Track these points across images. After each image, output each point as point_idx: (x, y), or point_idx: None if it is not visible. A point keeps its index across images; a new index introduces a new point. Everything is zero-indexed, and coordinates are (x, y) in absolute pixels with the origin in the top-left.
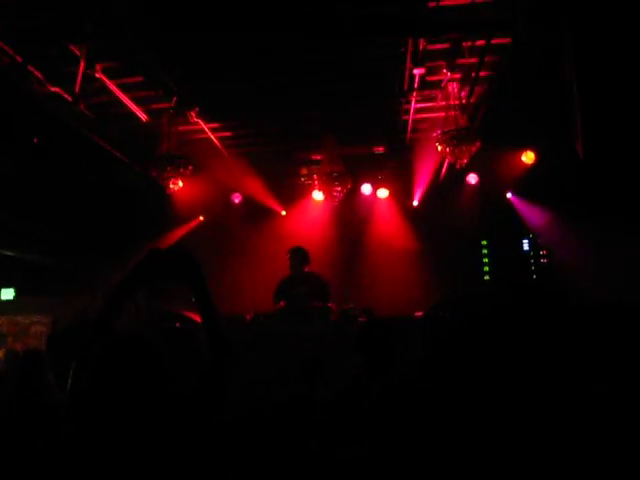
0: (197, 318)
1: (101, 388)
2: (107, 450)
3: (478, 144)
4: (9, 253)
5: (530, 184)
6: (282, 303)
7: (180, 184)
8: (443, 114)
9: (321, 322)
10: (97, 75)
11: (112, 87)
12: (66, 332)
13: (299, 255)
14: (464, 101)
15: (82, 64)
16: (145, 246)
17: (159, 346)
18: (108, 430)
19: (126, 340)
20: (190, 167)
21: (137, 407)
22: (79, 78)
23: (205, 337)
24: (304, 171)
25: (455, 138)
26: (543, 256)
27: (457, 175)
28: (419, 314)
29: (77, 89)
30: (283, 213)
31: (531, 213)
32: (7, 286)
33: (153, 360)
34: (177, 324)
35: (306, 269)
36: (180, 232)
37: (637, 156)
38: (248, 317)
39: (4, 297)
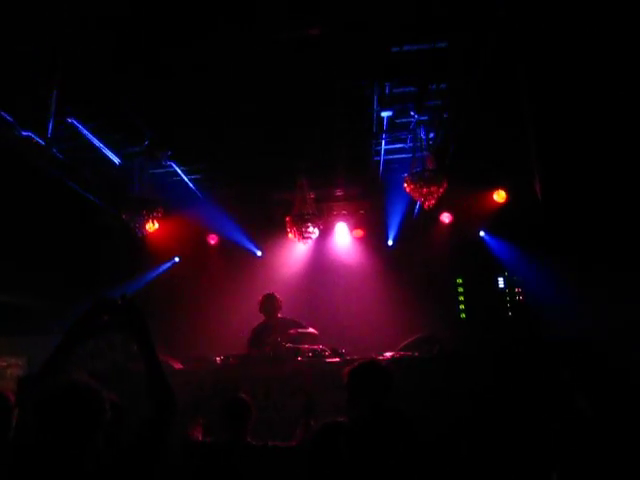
0: (174, 363)
1: (37, 432)
2: None
3: (445, 185)
4: None
5: (502, 222)
6: (255, 351)
7: (155, 226)
8: (412, 155)
9: (290, 364)
10: (68, 119)
11: (84, 131)
12: (36, 375)
13: (272, 302)
14: (431, 142)
15: (53, 109)
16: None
17: (95, 392)
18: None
19: (60, 388)
20: (160, 210)
21: (70, 452)
22: (50, 123)
23: (146, 386)
24: (278, 212)
25: (422, 179)
26: (518, 294)
27: (431, 214)
28: (388, 355)
29: (49, 133)
30: (259, 254)
31: (504, 251)
32: None
33: (87, 406)
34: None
35: (279, 315)
36: (154, 274)
37: (592, 194)
38: (218, 360)
39: None
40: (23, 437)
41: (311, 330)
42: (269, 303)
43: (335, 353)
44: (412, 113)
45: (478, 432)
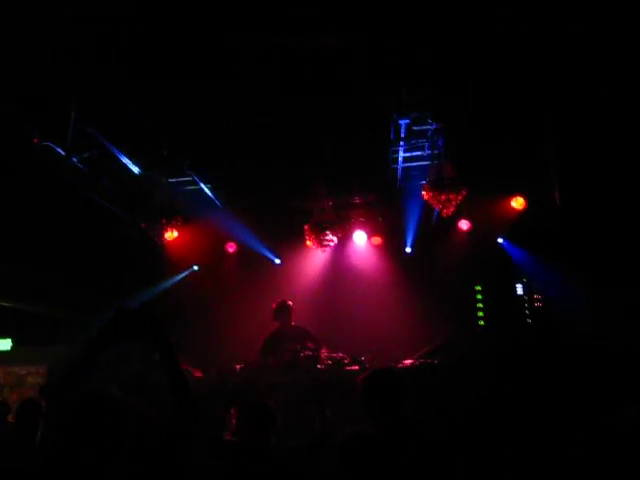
0: (194, 371)
1: (64, 445)
2: None
3: (464, 193)
4: (6, 304)
5: (521, 229)
6: (272, 359)
7: (174, 234)
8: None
9: (308, 372)
10: (88, 129)
11: (103, 141)
12: (59, 385)
13: (286, 309)
14: (450, 150)
15: (73, 119)
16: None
17: (118, 403)
18: None
19: (84, 400)
20: (179, 218)
21: (96, 462)
22: (70, 132)
23: (169, 393)
24: (297, 220)
25: (441, 187)
26: (537, 300)
27: (449, 221)
28: (407, 363)
29: (68, 143)
30: (277, 262)
31: (522, 258)
32: (4, 337)
33: (111, 418)
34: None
35: (293, 322)
36: (173, 282)
37: (610, 201)
38: (238, 367)
39: (1, 348)
40: (49, 445)
41: (323, 351)
42: (283, 310)
43: (354, 361)
44: (430, 120)
45: (497, 438)
